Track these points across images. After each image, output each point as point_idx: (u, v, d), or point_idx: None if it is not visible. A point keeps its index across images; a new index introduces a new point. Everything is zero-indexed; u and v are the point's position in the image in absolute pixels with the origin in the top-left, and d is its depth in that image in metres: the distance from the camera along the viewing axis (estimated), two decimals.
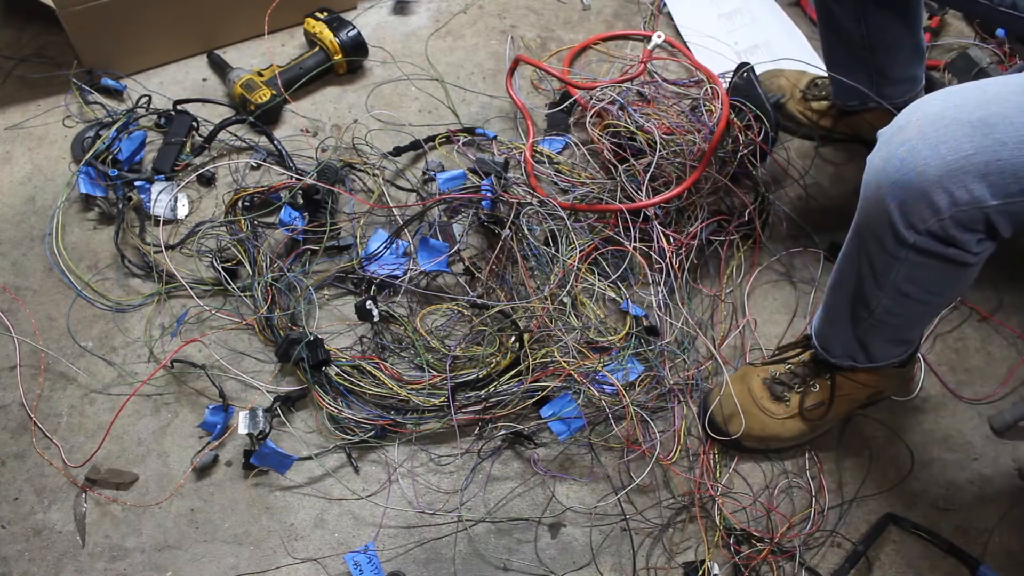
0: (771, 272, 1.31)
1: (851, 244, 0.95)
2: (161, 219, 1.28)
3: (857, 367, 1.06)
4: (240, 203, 1.28)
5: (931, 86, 1.32)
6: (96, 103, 1.42)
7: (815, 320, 1.09)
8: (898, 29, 1.20)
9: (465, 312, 1.20)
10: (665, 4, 1.63)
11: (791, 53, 1.55)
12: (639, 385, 1.15)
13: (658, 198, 1.18)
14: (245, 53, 1.52)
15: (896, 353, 1.05)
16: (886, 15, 1.18)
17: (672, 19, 1.61)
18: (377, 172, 1.33)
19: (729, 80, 1.32)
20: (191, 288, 1.21)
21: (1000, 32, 1.54)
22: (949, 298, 1.01)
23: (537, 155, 1.35)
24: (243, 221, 1.26)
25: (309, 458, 1.10)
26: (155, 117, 1.39)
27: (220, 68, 1.48)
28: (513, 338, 1.12)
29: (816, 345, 1.08)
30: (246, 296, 1.21)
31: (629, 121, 1.29)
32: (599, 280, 1.20)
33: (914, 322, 1.02)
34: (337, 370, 1.12)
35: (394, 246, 1.24)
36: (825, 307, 1.05)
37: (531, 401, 1.10)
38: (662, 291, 1.19)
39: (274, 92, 1.40)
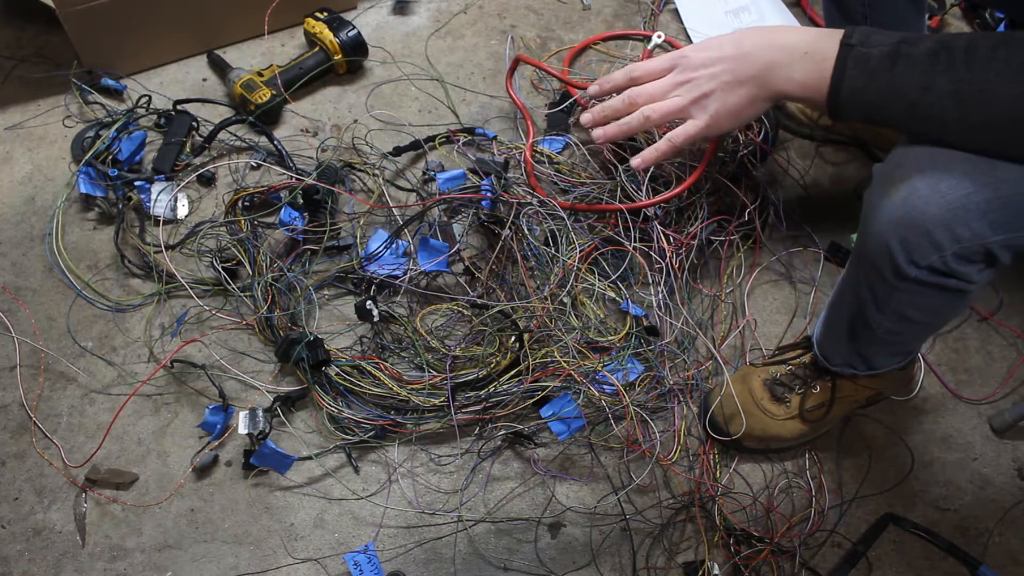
0: (771, 272, 1.31)
1: (851, 270, 0.94)
2: (161, 219, 1.28)
3: (858, 375, 1.06)
4: (240, 203, 1.28)
5: None
6: (96, 103, 1.42)
7: (816, 329, 1.09)
8: (904, 9, 1.18)
9: (465, 312, 1.20)
10: (671, 1, 1.63)
11: None
12: (639, 385, 1.15)
13: (658, 198, 1.18)
14: (245, 53, 1.52)
15: (897, 361, 1.05)
16: None
17: (678, 16, 1.61)
18: (377, 172, 1.33)
19: None
20: (191, 288, 1.21)
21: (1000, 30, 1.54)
22: (950, 319, 1.03)
23: (537, 155, 1.35)
24: (243, 221, 1.26)
25: (309, 458, 1.10)
26: (155, 117, 1.38)
27: (220, 68, 1.48)
28: (513, 338, 1.12)
29: (817, 353, 1.08)
30: (246, 296, 1.21)
31: None
32: (599, 280, 1.20)
33: (916, 339, 1.03)
34: (337, 370, 1.12)
35: (394, 246, 1.24)
36: (826, 322, 1.05)
37: (531, 401, 1.10)
38: (662, 291, 1.19)
39: (274, 92, 1.40)
